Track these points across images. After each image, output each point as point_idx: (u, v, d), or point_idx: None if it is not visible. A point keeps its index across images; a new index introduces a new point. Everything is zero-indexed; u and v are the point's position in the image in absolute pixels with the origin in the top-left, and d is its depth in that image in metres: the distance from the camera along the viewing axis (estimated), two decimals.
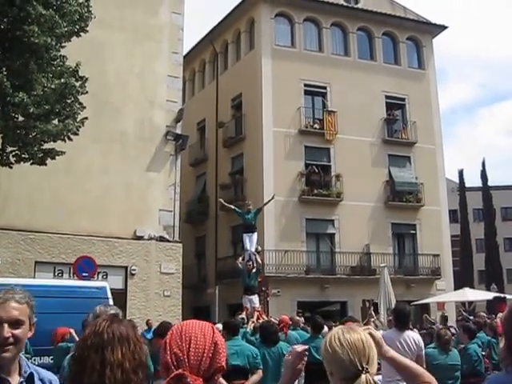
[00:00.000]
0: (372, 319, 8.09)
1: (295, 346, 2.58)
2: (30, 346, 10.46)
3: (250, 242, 15.94)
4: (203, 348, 2.02)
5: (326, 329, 9.68)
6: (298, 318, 14.33)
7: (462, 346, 8.69)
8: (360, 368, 2.11)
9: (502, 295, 19.53)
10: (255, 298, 15.29)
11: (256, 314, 14.64)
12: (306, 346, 2.53)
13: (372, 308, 9.10)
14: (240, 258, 15.98)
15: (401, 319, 6.47)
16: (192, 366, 1.99)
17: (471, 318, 16.77)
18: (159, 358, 2.09)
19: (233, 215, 26.59)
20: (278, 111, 27.85)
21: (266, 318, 14.36)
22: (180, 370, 1.97)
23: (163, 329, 9.46)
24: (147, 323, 16.55)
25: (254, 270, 15.47)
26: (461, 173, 52.17)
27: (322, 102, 29.61)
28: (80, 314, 8.16)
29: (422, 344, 6.52)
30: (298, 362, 2.49)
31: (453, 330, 11.86)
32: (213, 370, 2.02)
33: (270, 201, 18.39)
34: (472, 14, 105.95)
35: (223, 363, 2.05)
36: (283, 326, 12.02)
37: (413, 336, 6.43)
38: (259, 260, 16.32)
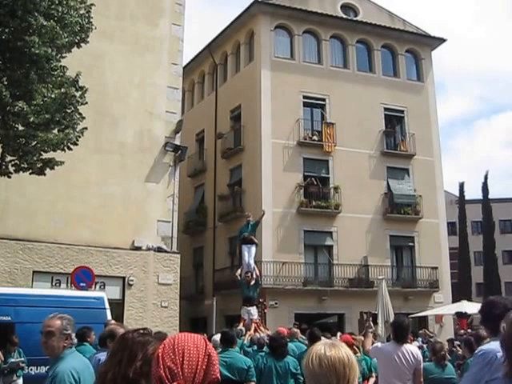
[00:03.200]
0: (370, 330, 8.03)
1: None
2: (23, 354, 10.44)
3: (249, 253, 15.95)
4: (197, 360, 1.99)
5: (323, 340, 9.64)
6: (295, 329, 14.29)
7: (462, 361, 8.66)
8: None
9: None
10: (253, 310, 15.29)
11: (254, 325, 14.63)
12: None
13: (371, 318, 9.04)
14: (239, 270, 15.98)
15: (399, 332, 6.45)
16: (186, 378, 1.95)
17: (469, 331, 16.73)
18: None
19: (231, 226, 26.63)
20: (277, 123, 27.91)
21: (263, 330, 14.35)
22: (175, 383, 1.94)
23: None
24: None
25: (252, 282, 15.47)
26: (461, 186, 52.26)
27: (320, 114, 29.68)
28: (77, 324, 8.15)
29: (421, 357, 6.50)
30: None
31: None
32: (207, 383, 1.99)
33: (262, 217, 18.22)
34: (470, 28, 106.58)
35: (218, 374, 2.02)
36: None
37: (411, 349, 6.41)
38: (258, 272, 16.35)
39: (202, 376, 1.98)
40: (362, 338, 9.04)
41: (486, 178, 51.84)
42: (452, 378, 7.52)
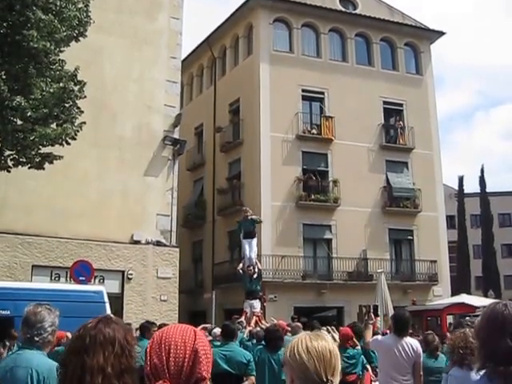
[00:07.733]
0: (370, 322, 8.03)
1: None
2: None
3: (250, 247, 15.95)
4: (183, 356, 1.90)
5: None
6: (297, 324, 14.30)
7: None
8: (324, 379, 2.04)
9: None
10: (256, 303, 15.30)
11: (255, 318, 14.63)
12: None
13: (372, 311, 9.11)
14: (240, 265, 15.98)
15: (399, 325, 6.46)
16: (172, 375, 1.88)
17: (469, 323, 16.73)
18: None
19: (230, 220, 26.61)
20: (276, 116, 27.87)
21: (264, 323, 14.35)
22: (160, 382, 1.87)
23: (143, 330, 9.37)
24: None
25: (255, 275, 15.50)
26: (461, 179, 52.18)
27: (319, 108, 29.63)
28: (77, 318, 8.14)
29: (421, 351, 6.50)
30: None
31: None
32: (194, 380, 1.91)
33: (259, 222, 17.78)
34: (470, 22, 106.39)
35: (204, 373, 1.92)
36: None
37: (411, 342, 6.41)
38: (259, 265, 16.40)
39: (188, 373, 1.90)
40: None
41: (482, 171, 51.95)
42: (442, 367, 7.58)
